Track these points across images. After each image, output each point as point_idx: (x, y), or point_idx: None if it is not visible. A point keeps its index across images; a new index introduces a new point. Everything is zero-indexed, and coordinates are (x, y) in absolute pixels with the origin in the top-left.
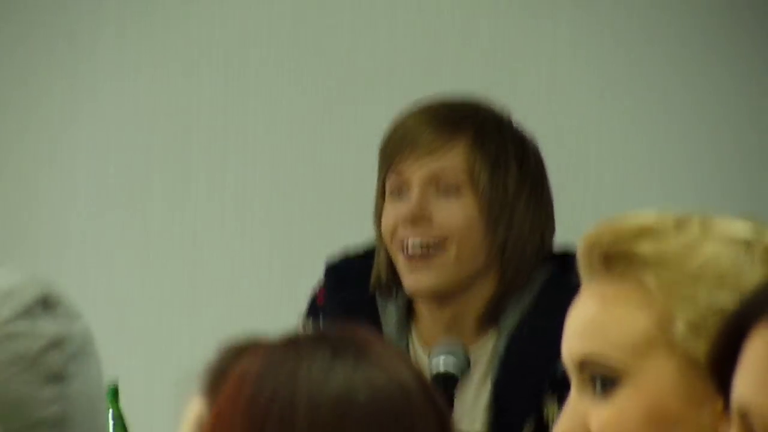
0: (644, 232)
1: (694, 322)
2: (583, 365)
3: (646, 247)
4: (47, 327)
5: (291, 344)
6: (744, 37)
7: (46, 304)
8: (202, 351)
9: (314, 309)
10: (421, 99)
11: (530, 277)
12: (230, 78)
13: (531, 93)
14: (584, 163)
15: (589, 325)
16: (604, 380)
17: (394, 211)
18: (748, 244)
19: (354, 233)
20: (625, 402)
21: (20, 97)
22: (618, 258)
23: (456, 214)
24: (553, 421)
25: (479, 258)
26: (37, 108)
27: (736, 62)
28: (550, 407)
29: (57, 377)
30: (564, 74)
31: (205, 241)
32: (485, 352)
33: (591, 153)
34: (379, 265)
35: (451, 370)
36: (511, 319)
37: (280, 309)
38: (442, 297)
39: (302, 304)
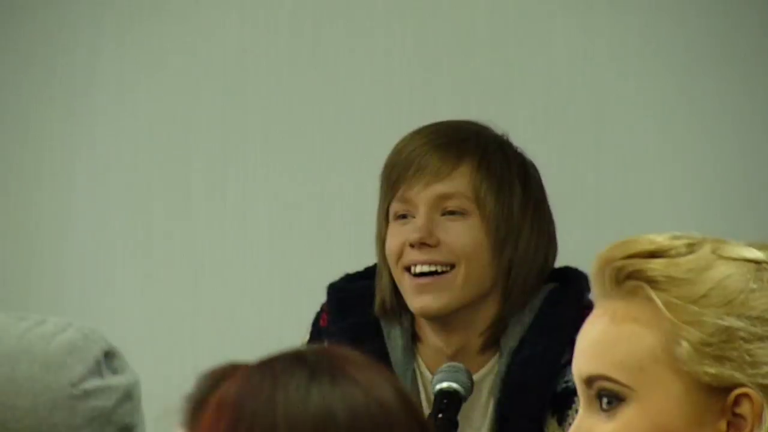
0: (656, 252)
1: (700, 343)
2: (590, 382)
3: (656, 267)
4: (116, 380)
5: (267, 367)
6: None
7: (108, 356)
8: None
9: (318, 332)
10: (422, 124)
11: (531, 296)
12: (231, 93)
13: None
14: (584, 181)
15: (597, 342)
16: (610, 397)
17: (400, 234)
18: (758, 267)
19: (356, 256)
20: (630, 419)
21: (18, 106)
22: (629, 276)
23: (463, 237)
24: None
25: (486, 280)
26: (36, 116)
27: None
28: (550, 426)
29: (127, 429)
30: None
31: (206, 264)
32: (490, 374)
33: (590, 172)
34: (382, 288)
35: (457, 388)
36: (512, 339)
37: (283, 332)
38: (447, 319)
39: (304, 325)
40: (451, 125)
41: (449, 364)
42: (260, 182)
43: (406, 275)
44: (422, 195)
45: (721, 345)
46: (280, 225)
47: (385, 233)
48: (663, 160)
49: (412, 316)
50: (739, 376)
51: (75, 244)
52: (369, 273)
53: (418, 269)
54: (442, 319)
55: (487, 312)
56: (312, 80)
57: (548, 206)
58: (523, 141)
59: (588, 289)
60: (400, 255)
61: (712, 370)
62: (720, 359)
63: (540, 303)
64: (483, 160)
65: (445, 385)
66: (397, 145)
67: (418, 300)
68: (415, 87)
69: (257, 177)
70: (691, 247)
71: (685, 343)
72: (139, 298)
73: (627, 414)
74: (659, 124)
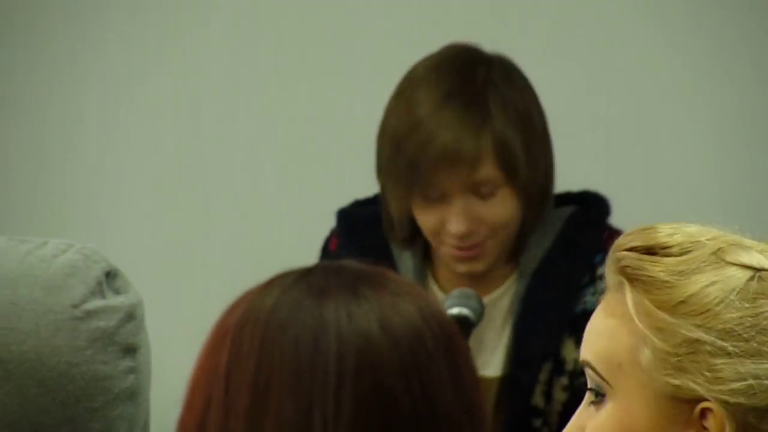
0: (653, 249)
1: (663, 353)
2: (585, 367)
3: (644, 266)
4: (118, 300)
5: (305, 280)
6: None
7: (109, 276)
8: (211, 303)
9: (327, 257)
10: (427, 79)
11: (551, 217)
12: (243, 22)
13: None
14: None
15: (591, 331)
16: (597, 390)
17: (434, 215)
18: (752, 275)
19: (366, 182)
20: (607, 417)
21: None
22: (620, 271)
23: (500, 213)
24: (570, 362)
25: (514, 228)
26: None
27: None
28: (567, 348)
29: (131, 349)
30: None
31: (216, 191)
32: (506, 294)
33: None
34: (394, 221)
35: (467, 314)
36: (532, 260)
37: (292, 258)
38: None
39: (314, 250)
40: (459, 79)
41: (460, 289)
42: (272, 107)
43: (445, 246)
44: (455, 185)
45: (686, 357)
46: (290, 150)
47: (405, 199)
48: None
49: (424, 238)
50: (701, 390)
51: (85, 171)
52: (378, 199)
53: (461, 247)
54: None
55: (505, 240)
56: (324, 9)
57: (547, 126)
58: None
59: (609, 213)
60: (437, 232)
61: (674, 381)
62: (683, 371)
63: (561, 225)
64: (501, 132)
65: (455, 311)
66: (411, 117)
67: (461, 266)
68: (425, 15)
69: (269, 102)
70: (692, 246)
71: (647, 351)
72: (149, 224)
73: (606, 411)
74: (669, 56)
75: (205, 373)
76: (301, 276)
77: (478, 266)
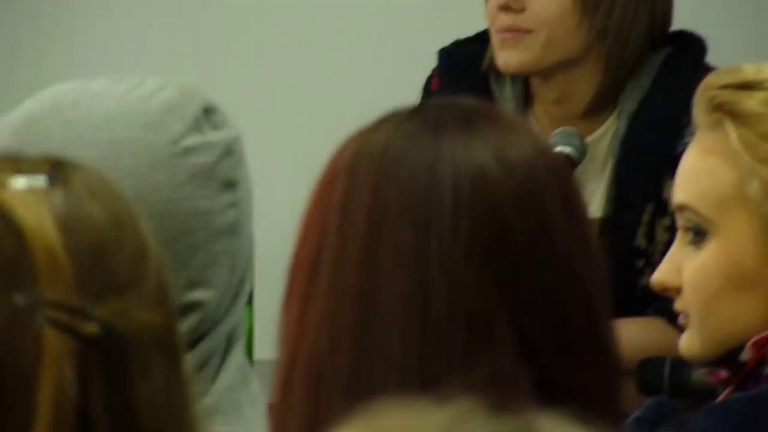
0: (749, 84)
1: None
2: (680, 212)
3: (743, 100)
4: (216, 136)
5: (421, 116)
6: None
7: (207, 113)
8: (314, 143)
9: (429, 97)
10: None
11: (647, 59)
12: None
13: None
14: None
15: (687, 172)
16: (696, 230)
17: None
18: None
19: (469, 22)
20: (710, 254)
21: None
22: (717, 108)
23: (549, 5)
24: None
25: (573, 45)
26: None
27: None
28: (669, 188)
29: (231, 184)
30: None
31: (320, 27)
32: (605, 135)
33: None
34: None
35: (570, 152)
36: (630, 102)
37: (394, 97)
38: (539, 74)
39: (416, 90)
40: None
41: (562, 128)
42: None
43: (495, 34)
44: None
45: None
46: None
47: None
48: None
49: (525, 78)
50: None
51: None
52: (479, 39)
53: (502, 27)
54: (544, 78)
55: (589, 76)
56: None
57: None
58: None
59: (705, 53)
60: (494, 17)
61: None
62: None
63: (658, 67)
64: None
65: (558, 149)
66: None
67: (500, 55)
68: None
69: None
70: None
71: (756, 182)
72: (253, 62)
73: (709, 249)
74: None
75: (318, 208)
76: (414, 112)
77: (515, 56)
